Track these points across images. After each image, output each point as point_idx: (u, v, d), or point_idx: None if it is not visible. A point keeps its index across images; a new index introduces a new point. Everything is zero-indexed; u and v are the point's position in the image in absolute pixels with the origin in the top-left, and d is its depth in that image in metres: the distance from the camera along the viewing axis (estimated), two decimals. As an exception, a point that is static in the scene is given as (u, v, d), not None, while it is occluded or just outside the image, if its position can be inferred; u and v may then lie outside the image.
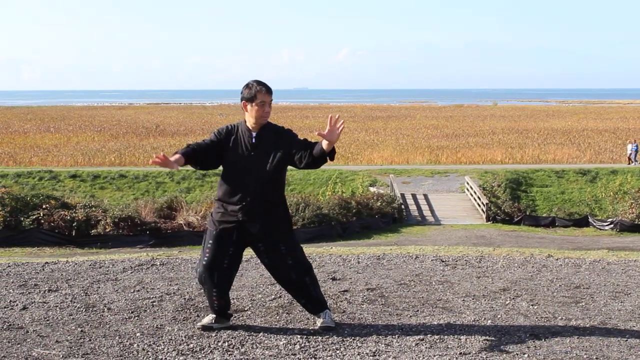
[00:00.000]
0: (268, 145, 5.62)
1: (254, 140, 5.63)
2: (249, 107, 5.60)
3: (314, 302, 5.87)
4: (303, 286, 5.81)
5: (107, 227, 26.25)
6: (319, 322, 5.85)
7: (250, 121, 5.65)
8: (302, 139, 5.67)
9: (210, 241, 5.69)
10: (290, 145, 5.60)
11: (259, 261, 8.62)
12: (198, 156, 5.63)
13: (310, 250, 9.92)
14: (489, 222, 31.38)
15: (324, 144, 5.40)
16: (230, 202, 5.66)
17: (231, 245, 5.68)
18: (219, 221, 5.69)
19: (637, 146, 42.88)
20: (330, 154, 5.47)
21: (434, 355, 5.13)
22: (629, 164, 41.97)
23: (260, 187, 5.59)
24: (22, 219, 25.72)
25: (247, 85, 5.63)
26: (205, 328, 5.74)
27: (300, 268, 5.77)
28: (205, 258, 5.68)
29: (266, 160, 5.59)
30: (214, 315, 5.81)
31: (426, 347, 5.33)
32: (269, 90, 5.60)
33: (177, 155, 5.51)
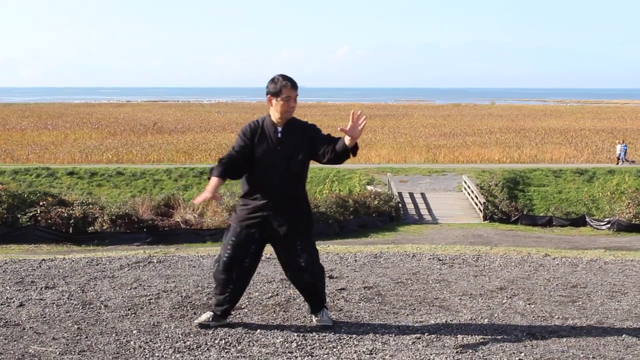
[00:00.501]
0: (293, 139, 5.59)
1: (279, 135, 5.59)
2: (274, 101, 5.57)
3: (318, 303, 5.87)
4: (313, 288, 5.80)
5: (104, 224, 26.26)
6: (315, 320, 5.85)
7: (275, 116, 5.62)
8: (325, 134, 5.66)
9: (233, 238, 5.65)
10: (314, 140, 5.60)
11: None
12: (233, 171, 5.60)
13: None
14: (486, 221, 31.42)
15: (347, 139, 5.40)
16: (255, 197, 5.63)
17: (253, 243, 5.65)
18: (244, 217, 5.65)
19: (626, 146, 43.02)
20: (353, 149, 5.46)
21: (431, 354, 5.12)
22: (618, 163, 42.07)
23: (285, 182, 5.57)
24: (19, 215, 25.73)
25: (272, 80, 5.59)
26: (202, 326, 5.73)
27: (315, 270, 5.76)
28: (227, 255, 5.65)
29: (291, 155, 5.57)
30: (212, 313, 5.79)
31: (423, 346, 5.33)
32: (294, 85, 5.56)
33: (214, 182, 5.48)
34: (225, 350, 5.18)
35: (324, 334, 5.59)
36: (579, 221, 31.95)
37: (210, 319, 5.76)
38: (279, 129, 5.61)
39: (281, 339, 5.43)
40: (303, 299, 6.50)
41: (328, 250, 9.84)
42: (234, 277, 5.66)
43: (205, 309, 6.26)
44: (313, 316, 5.91)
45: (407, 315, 6.23)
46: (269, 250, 9.63)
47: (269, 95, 5.60)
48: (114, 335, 5.54)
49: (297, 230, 5.67)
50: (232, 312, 5.99)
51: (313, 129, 5.67)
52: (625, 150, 42.59)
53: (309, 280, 5.74)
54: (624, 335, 5.66)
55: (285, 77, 5.58)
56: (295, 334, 5.56)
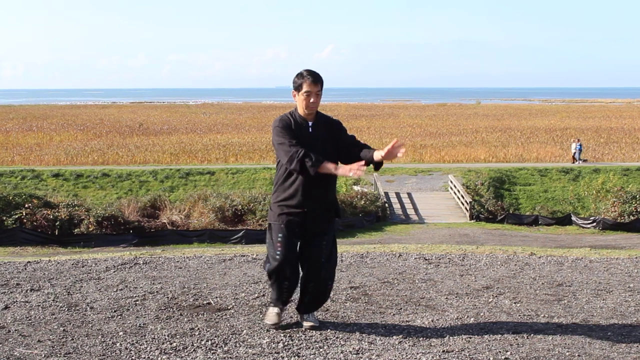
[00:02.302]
0: (324, 134, 5.62)
1: (310, 130, 5.60)
2: (297, 96, 5.60)
3: (317, 304, 5.89)
4: (324, 288, 5.83)
5: (90, 226, 26.19)
6: (301, 319, 5.85)
7: (301, 110, 5.63)
8: (350, 134, 5.73)
9: (280, 235, 5.65)
10: (342, 137, 5.67)
11: (242, 260, 8.65)
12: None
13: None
14: (473, 221, 31.50)
15: (377, 155, 5.45)
16: (292, 193, 5.62)
17: (298, 238, 5.69)
18: (285, 214, 5.65)
19: (581, 145, 43.25)
20: (377, 165, 5.58)
21: (417, 353, 5.13)
22: (573, 162, 42.26)
23: (320, 177, 5.53)
24: (4, 218, 25.62)
25: (298, 74, 5.60)
26: (275, 326, 5.77)
27: (332, 265, 5.82)
28: (278, 252, 5.64)
29: (323, 150, 5.55)
30: (279, 307, 5.83)
31: (409, 345, 5.34)
32: (315, 80, 5.52)
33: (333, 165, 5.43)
34: (212, 352, 5.17)
35: (310, 334, 5.59)
36: (564, 220, 32.07)
37: (280, 314, 5.83)
38: (310, 123, 5.63)
39: (268, 340, 5.43)
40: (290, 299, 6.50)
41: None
42: (289, 273, 5.70)
43: (198, 310, 6.24)
44: (300, 315, 5.90)
45: (394, 314, 6.24)
46: (254, 250, 9.62)
47: (293, 90, 5.63)
48: (99, 337, 5.52)
49: (328, 227, 5.76)
50: (217, 312, 5.98)
51: (339, 125, 5.76)
52: (580, 149, 42.84)
53: (325, 276, 5.78)
54: (609, 333, 5.69)
55: (309, 72, 5.56)
56: (282, 335, 5.56)
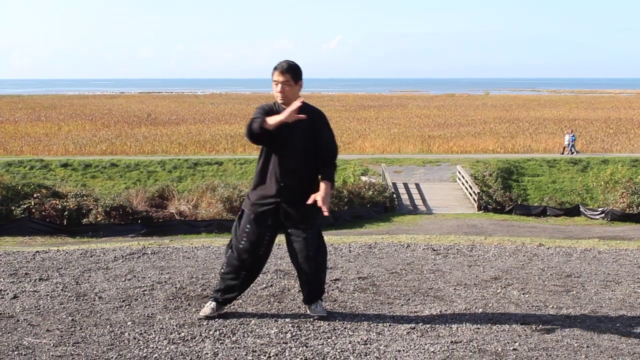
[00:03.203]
0: (304, 124, 5.49)
1: (290, 121, 5.55)
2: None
3: (316, 294, 5.87)
4: (317, 279, 5.80)
5: (98, 216, 26.24)
6: (309, 310, 5.85)
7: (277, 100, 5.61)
8: (328, 134, 5.63)
9: (248, 225, 5.64)
10: (321, 133, 5.60)
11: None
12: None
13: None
14: (481, 212, 31.45)
15: (312, 197, 5.47)
16: (268, 183, 5.61)
17: (268, 230, 5.65)
18: (258, 204, 5.63)
19: (574, 136, 43.03)
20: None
21: (425, 344, 5.13)
22: (563, 153, 42.05)
23: (297, 167, 5.55)
24: (13, 208, 25.68)
25: None
26: (208, 318, 5.72)
27: (321, 257, 5.78)
28: (243, 242, 5.64)
29: (302, 140, 5.54)
30: (214, 303, 5.78)
31: (417, 336, 5.34)
32: (283, 70, 5.46)
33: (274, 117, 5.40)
34: (220, 341, 5.18)
35: (318, 324, 5.59)
36: (573, 211, 31.98)
37: (215, 309, 5.77)
38: None
39: (276, 330, 5.43)
40: (297, 290, 6.51)
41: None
42: (247, 264, 5.67)
43: (206, 300, 6.24)
44: (307, 307, 5.90)
45: (402, 305, 6.24)
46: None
47: None
48: (108, 326, 5.53)
49: (309, 220, 5.68)
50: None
51: (321, 117, 5.66)
52: (574, 140, 42.63)
53: (315, 270, 5.74)
54: (618, 325, 5.68)
55: (280, 62, 5.53)
56: (290, 325, 5.56)
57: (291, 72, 5.49)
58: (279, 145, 5.55)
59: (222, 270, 5.83)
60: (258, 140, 5.48)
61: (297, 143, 5.52)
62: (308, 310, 5.87)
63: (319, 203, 5.40)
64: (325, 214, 5.45)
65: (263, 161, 5.65)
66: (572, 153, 41.79)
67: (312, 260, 5.70)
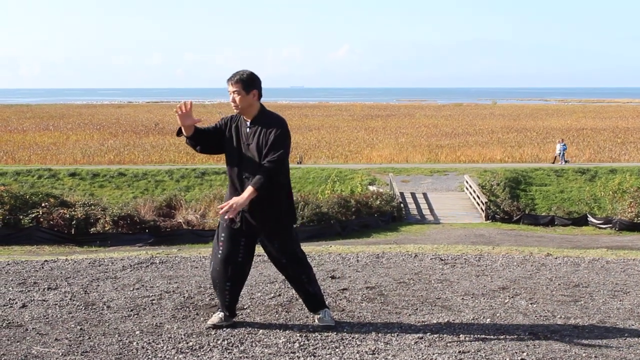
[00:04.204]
0: (261, 134, 5.55)
1: (248, 130, 5.63)
2: None
3: (311, 299, 5.89)
4: (299, 282, 5.84)
5: (106, 225, 26.25)
6: (317, 319, 5.86)
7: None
8: (275, 143, 5.49)
9: (223, 234, 5.71)
10: (268, 141, 5.53)
11: (257, 260, 8.64)
12: (201, 135, 5.71)
13: (309, 248, 9.93)
14: (488, 221, 31.39)
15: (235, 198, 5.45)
16: (233, 192, 5.67)
17: (242, 236, 5.68)
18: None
19: (565, 146, 42.98)
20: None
21: (433, 354, 5.13)
22: (554, 162, 42.00)
23: (251, 176, 5.54)
24: (21, 217, 25.71)
25: None
26: (215, 327, 5.74)
27: (295, 266, 5.79)
28: (220, 251, 5.70)
29: (260, 149, 5.54)
30: (224, 313, 5.80)
31: (425, 346, 5.34)
32: (233, 80, 5.58)
33: (194, 120, 5.63)
34: (228, 351, 5.18)
35: (326, 334, 5.60)
36: (581, 220, 31.89)
37: (223, 320, 5.78)
38: (248, 123, 5.65)
39: (284, 339, 5.44)
40: (305, 299, 6.53)
41: (330, 251, 9.85)
42: (230, 273, 5.69)
43: (210, 309, 6.27)
44: (315, 315, 5.92)
45: (410, 315, 6.24)
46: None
47: None
48: (116, 336, 5.55)
49: (274, 229, 5.70)
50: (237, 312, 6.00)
51: (275, 129, 5.55)
52: (565, 149, 42.60)
53: (293, 274, 5.80)
54: (626, 335, 5.67)
55: (234, 73, 5.65)
56: (298, 334, 5.57)
57: (241, 83, 5.57)
58: (233, 154, 5.66)
59: (213, 286, 5.91)
60: (196, 150, 5.78)
61: (250, 151, 5.58)
62: (315, 319, 5.89)
63: (227, 205, 5.36)
64: (226, 216, 5.46)
65: (227, 168, 5.77)
66: (563, 162, 41.75)
67: (287, 268, 5.78)
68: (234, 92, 5.59)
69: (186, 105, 5.54)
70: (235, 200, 5.35)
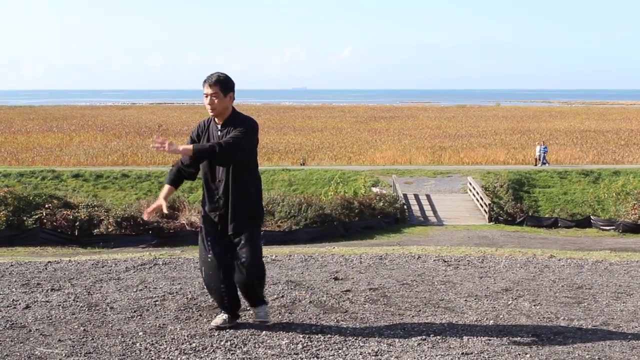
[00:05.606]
0: (230, 133, 5.57)
1: (219, 133, 5.64)
2: None
3: (253, 299, 5.88)
4: (248, 286, 5.75)
5: (109, 226, 26.26)
6: (253, 313, 5.93)
7: None
8: (234, 135, 5.51)
9: (209, 238, 5.74)
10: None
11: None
12: (183, 173, 5.82)
13: (312, 250, 9.93)
14: (492, 223, 31.36)
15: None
16: (207, 196, 5.74)
17: (223, 236, 5.69)
18: (205, 216, 5.78)
19: (546, 148, 42.94)
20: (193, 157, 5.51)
21: (436, 355, 5.13)
22: (536, 165, 41.98)
23: (227, 179, 5.60)
24: (24, 218, 25.75)
25: None
26: (219, 328, 5.74)
27: (252, 270, 5.67)
28: (210, 255, 5.71)
29: None
30: (227, 315, 5.81)
31: (428, 347, 5.33)
32: (211, 83, 5.55)
33: (164, 190, 5.78)
34: (231, 352, 5.19)
35: (329, 335, 5.60)
36: (584, 222, 31.85)
37: (226, 321, 5.79)
38: (219, 126, 5.67)
39: (287, 341, 5.44)
40: (309, 301, 6.54)
41: (333, 252, 9.85)
42: (222, 275, 5.70)
43: (217, 311, 6.26)
44: (252, 308, 5.95)
45: (413, 316, 6.24)
46: (272, 251, 9.64)
47: None
48: (119, 337, 5.55)
49: (241, 227, 5.66)
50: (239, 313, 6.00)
51: (241, 127, 5.59)
52: (546, 151, 42.56)
53: (246, 277, 5.65)
54: (629, 337, 5.66)
55: (209, 75, 5.62)
56: (301, 336, 5.57)
57: (219, 84, 5.56)
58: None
59: (209, 292, 5.94)
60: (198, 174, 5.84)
61: None
62: (252, 312, 5.97)
63: (164, 141, 5.33)
64: (153, 145, 5.37)
65: (202, 174, 5.78)
66: (544, 164, 41.72)
67: (244, 270, 5.65)
68: (212, 94, 5.55)
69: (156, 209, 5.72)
70: (172, 142, 5.35)
